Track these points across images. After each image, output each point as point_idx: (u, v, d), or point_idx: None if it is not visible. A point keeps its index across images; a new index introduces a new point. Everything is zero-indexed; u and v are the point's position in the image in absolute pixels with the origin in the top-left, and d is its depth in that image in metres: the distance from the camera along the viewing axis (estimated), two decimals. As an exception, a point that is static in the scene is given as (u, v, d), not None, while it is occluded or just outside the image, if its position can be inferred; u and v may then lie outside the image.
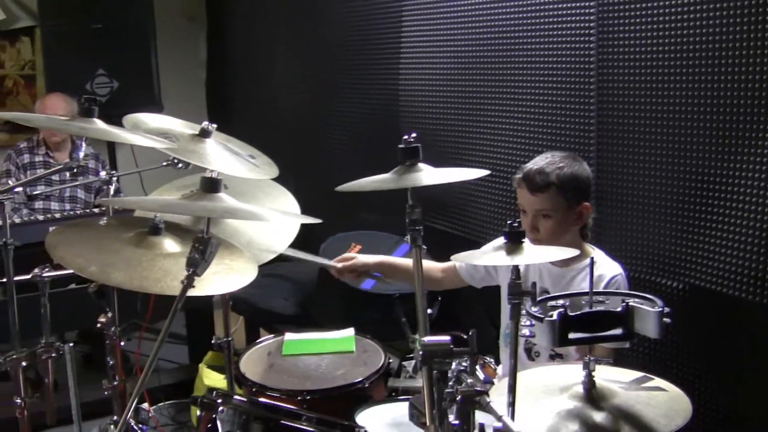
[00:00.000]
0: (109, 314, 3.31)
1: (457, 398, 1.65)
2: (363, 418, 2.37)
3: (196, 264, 2.04)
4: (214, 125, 3.01)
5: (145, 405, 4.10)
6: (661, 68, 3.02)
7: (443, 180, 2.01)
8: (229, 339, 3.08)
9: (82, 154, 2.84)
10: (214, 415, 2.13)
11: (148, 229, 2.66)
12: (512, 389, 1.87)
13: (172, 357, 4.89)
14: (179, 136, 2.97)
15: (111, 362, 3.34)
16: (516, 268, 1.94)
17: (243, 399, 2.15)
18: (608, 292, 2.11)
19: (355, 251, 4.19)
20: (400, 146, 1.98)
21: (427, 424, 1.62)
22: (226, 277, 2.62)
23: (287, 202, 3.23)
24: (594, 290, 2.02)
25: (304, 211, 2.94)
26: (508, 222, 1.97)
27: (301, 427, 2.09)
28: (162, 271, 2.49)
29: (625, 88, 3.18)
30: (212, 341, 3.05)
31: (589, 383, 2.06)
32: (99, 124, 2.58)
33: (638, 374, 2.20)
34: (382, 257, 3.15)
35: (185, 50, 6.23)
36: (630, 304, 1.98)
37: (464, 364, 1.74)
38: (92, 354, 4.96)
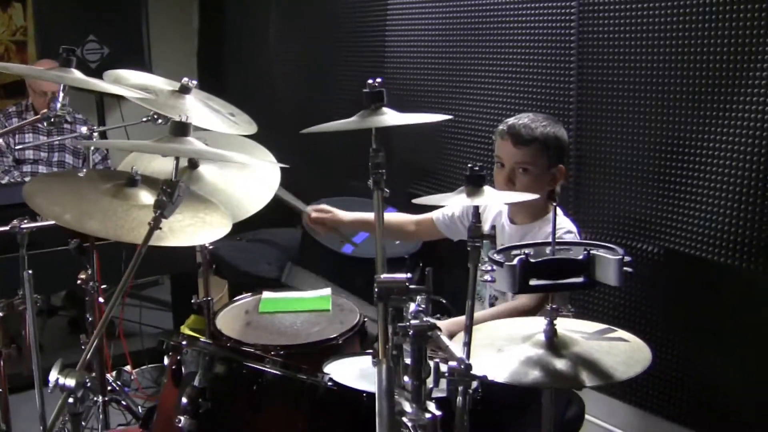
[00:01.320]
0: (89, 271, 3.35)
1: (410, 332, 1.66)
2: (330, 368, 2.38)
3: (164, 206, 2.05)
4: (195, 81, 3.02)
5: (128, 367, 4.13)
6: (642, 32, 3.03)
7: (405, 122, 2.02)
8: (209, 299, 3.10)
9: (59, 105, 2.83)
10: (179, 357, 2.15)
11: (125, 180, 2.67)
12: (468, 330, 1.88)
13: (156, 323, 4.91)
14: (159, 92, 2.99)
15: (90, 318, 3.36)
16: (476, 210, 1.95)
17: (208, 342, 2.17)
18: (571, 243, 2.13)
19: (338, 216, 4.20)
20: (365, 90, 1.99)
21: (380, 358, 1.63)
22: (200, 229, 2.65)
23: (269, 162, 3.24)
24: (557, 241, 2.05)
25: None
26: (469, 165, 1.98)
27: (265, 369, 2.10)
28: (137, 221, 2.50)
29: (605, 53, 3.19)
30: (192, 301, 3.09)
31: (551, 332, 2.07)
32: (77, 74, 2.61)
33: (602, 326, 2.22)
34: (357, 214, 3.15)
35: (177, 19, 6.22)
36: (591, 252, 1.99)
37: (422, 305, 1.74)
38: (78, 318, 4.98)
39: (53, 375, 1.81)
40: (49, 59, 4.79)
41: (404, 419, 1.65)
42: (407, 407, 1.68)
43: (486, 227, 2.81)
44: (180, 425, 2.01)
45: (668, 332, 3.12)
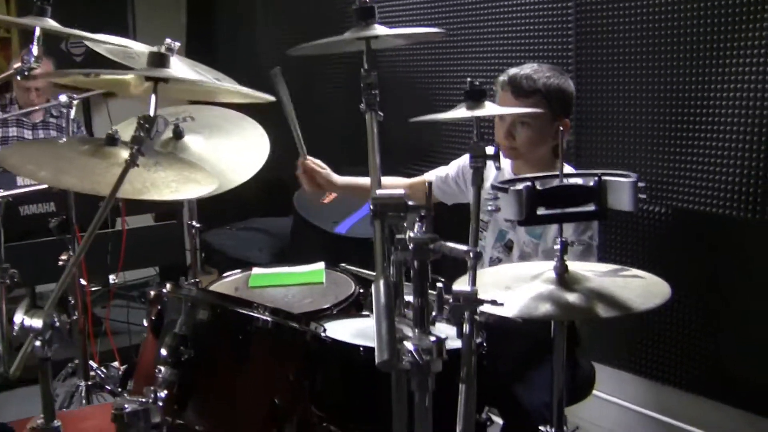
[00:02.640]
0: (71, 252, 3.21)
1: (410, 246, 1.51)
2: (328, 327, 2.22)
3: (140, 142, 1.91)
4: (178, 43, 2.88)
5: (116, 363, 3.97)
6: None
7: (395, 33, 1.88)
8: (197, 281, 2.96)
9: (33, 59, 2.69)
10: (159, 307, 1.99)
11: (105, 140, 2.55)
12: (475, 242, 1.74)
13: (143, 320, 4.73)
14: (140, 54, 2.86)
15: (72, 301, 3.21)
16: (478, 124, 1.81)
17: (191, 287, 2.01)
18: (580, 173, 1.97)
19: (330, 198, 4.07)
20: (355, 7, 1.84)
21: (377, 274, 1.48)
22: (184, 186, 2.51)
23: (257, 134, 3.11)
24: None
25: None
26: (469, 80, 1.84)
27: (252, 314, 1.94)
28: (116, 177, 2.37)
29: (604, 8, 3.08)
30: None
31: (562, 268, 1.92)
32: (51, 22, 2.48)
33: (614, 266, 2.08)
34: (350, 178, 2.99)
35: (164, 15, 6.10)
36: (603, 178, 1.85)
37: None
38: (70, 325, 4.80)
39: (18, 317, 1.67)
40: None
41: (405, 343, 1.49)
42: (409, 332, 1.52)
43: (486, 185, 2.73)
44: (160, 376, 1.85)
45: (679, 297, 2.97)
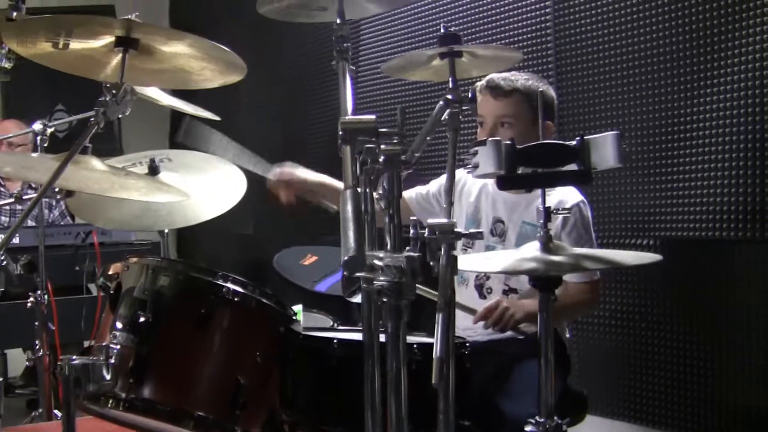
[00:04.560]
0: (38, 292, 3.10)
1: (381, 158, 1.41)
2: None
3: (106, 105, 1.84)
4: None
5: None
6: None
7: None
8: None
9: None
10: (119, 281, 1.86)
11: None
12: (449, 191, 1.65)
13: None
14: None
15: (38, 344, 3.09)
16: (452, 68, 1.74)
17: (154, 257, 1.88)
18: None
19: (311, 260, 3.96)
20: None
21: (345, 185, 1.38)
22: (153, 193, 2.44)
23: (233, 174, 3.05)
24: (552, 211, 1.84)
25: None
26: (441, 26, 1.80)
27: (214, 281, 1.82)
28: (84, 177, 2.30)
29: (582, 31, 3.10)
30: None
31: (546, 237, 1.82)
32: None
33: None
34: (324, 177, 2.86)
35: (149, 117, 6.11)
36: (585, 137, 1.78)
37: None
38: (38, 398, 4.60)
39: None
40: (13, 119, 4.65)
41: (376, 261, 1.37)
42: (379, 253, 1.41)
43: (471, 199, 2.66)
44: (115, 342, 1.70)
45: (673, 333, 2.87)
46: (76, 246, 4.01)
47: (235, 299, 1.82)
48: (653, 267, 2.79)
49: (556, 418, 1.87)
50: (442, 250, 1.51)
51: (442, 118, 1.75)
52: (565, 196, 2.50)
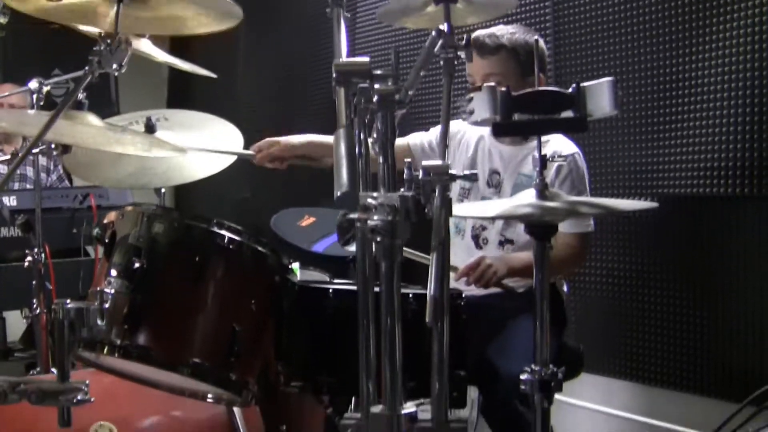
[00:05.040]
0: (35, 249, 3.09)
1: (375, 97, 1.41)
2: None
3: (100, 55, 1.83)
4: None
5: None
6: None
7: None
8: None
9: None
10: (114, 228, 1.85)
11: (72, 104, 2.50)
12: (444, 137, 1.64)
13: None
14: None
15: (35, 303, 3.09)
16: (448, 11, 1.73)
17: (153, 206, 1.87)
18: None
19: (308, 222, 3.95)
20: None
21: (338, 124, 1.38)
22: (150, 147, 2.43)
23: (230, 132, 3.04)
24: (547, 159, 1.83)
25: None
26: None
27: (209, 229, 1.81)
28: (80, 132, 2.30)
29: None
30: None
31: (541, 184, 1.82)
32: None
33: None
34: (310, 136, 2.85)
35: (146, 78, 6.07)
36: (581, 84, 1.77)
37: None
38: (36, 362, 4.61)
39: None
40: (11, 83, 4.62)
41: (369, 201, 1.37)
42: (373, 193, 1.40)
43: (468, 152, 2.65)
44: (109, 288, 1.70)
45: (670, 290, 2.86)
46: (74, 209, 3.99)
47: (230, 246, 1.82)
48: (650, 223, 2.81)
49: (551, 366, 1.87)
50: (437, 191, 1.50)
51: (435, 50, 1.73)
52: (561, 147, 2.50)
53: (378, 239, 1.37)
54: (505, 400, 2.22)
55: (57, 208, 3.98)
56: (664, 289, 2.87)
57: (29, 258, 3.12)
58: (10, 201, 3.89)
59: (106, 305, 1.60)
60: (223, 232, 1.81)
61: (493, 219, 2.44)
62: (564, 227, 2.41)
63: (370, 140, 1.48)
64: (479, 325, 2.32)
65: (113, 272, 1.75)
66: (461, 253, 2.54)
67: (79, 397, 1.55)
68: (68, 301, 1.55)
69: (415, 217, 1.38)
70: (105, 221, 1.89)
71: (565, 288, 2.66)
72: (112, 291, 1.70)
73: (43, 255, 3.07)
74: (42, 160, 4.73)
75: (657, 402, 2.95)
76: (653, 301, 2.91)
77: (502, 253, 2.51)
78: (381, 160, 1.41)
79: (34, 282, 3.11)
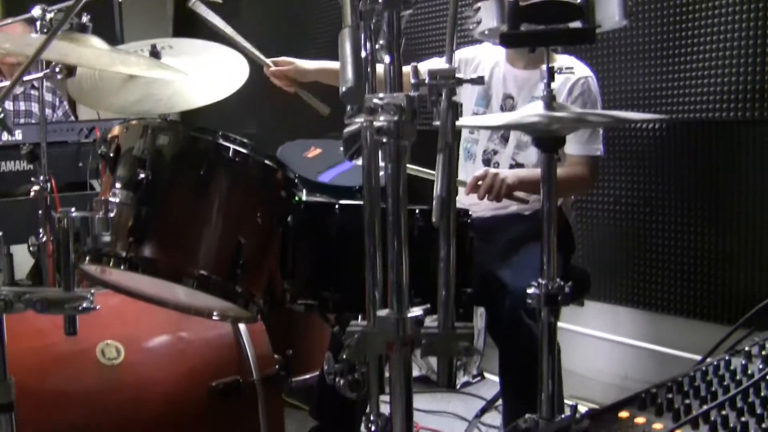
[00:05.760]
0: (41, 177, 3.08)
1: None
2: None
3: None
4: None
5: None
6: None
7: None
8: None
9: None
10: (118, 141, 1.83)
11: (76, 27, 2.49)
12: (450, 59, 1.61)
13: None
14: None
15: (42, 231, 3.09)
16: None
17: (158, 118, 1.86)
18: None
19: (314, 153, 3.94)
20: None
21: (344, 24, 1.35)
22: (152, 68, 2.44)
23: (235, 60, 3.02)
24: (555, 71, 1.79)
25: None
26: None
27: (215, 141, 1.79)
28: (85, 54, 2.30)
29: None
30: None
31: (549, 97, 1.79)
32: None
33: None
34: (322, 62, 2.85)
35: (150, 11, 6.01)
36: (590, -6, 1.74)
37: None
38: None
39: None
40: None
41: (375, 101, 1.36)
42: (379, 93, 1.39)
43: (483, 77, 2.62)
44: (114, 199, 1.69)
45: (677, 216, 2.85)
46: (79, 143, 3.97)
47: (236, 159, 1.80)
48: (657, 150, 2.79)
49: (558, 280, 1.87)
50: (443, 94, 1.48)
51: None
52: (574, 67, 2.47)
53: (384, 140, 1.36)
54: (512, 315, 2.22)
55: (62, 142, 3.96)
56: (670, 215, 2.86)
57: (35, 187, 3.12)
58: (16, 135, 3.87)
59: (111, 215, 1.59)
60: (228, 144, 1.79)
61: (500, 129, 2.42)
62: (573, 149, 2.40)
63: (376, 45, 1.46)
64: (486, 246, 2.32)
65: (118, 185, 1.74)
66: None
67: (84, 305, 1.53)
68: (73, 209, 1.53)
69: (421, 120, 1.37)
70: (109, 135, 1.87)
71: (572, 215, 2.65)
72: (117, 200, 1.68)
73: (49, 185, 3.06)
74: (47, 96, 4.73)
75: (663, 328, 2.96)
76: (659, 228, 2.90)
77: None
78: (387, 61, 1.39)
79: (40, 212, 3.11)
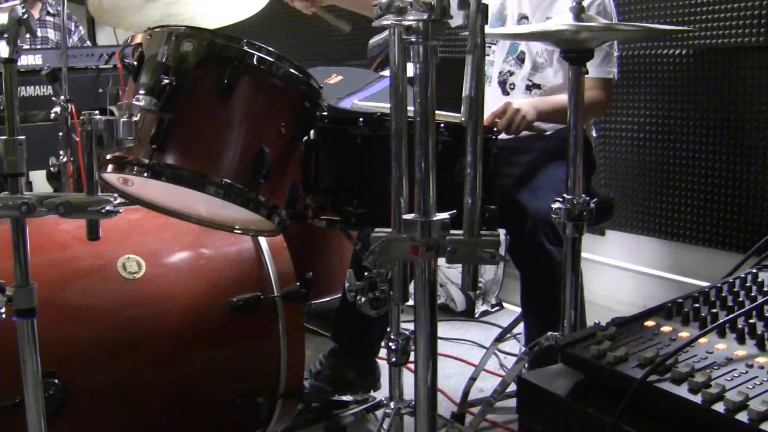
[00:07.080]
0: (62, 98, 3.06)
1: None
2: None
3: None
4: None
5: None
6: None
7: None
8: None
9: None
10: (141, 49, 1.81)
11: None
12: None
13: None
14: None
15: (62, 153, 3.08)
16: None
17: (182, 26, 1.81)
18: None
19: (336, 80, 3.90)
20: None
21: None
22: None
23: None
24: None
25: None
26: None
27: (240, 47, 1.76)
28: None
29: None
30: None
31: (578, 8, 1.76)
32: None
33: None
34: None
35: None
36: None
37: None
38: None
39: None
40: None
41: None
42: None
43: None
44: (138, 103, 1.66)
45: (699, 144, 2.81)
46: (99, 68, 3.94)
47: (261, 66, 1.77)
48: (680, 76, 2.74)
49: (584, 195, 1.85)
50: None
51: None
52: None
53: (413, 40, 1.33)
54: (533, 237, 2.20)
55: (82, 68, 3.93)
56: (694, 143, 2.82)
57: (56, 108, 3.10)
58: (36, 59, 3.84)
59: (135, 119, 1.56)
60: (254, 51, 1.76)
61: (526, 39, 2.38)
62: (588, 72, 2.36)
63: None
64: (506, 169, 2.30)
65: (141, 91, 1.72)
66: (488, 100, 2.50)
67: (107, 208, 1.51)
68: (97, 111, 1.51)
69: (450, 17, 1.34)
70: (132, 43, 1.84)
71: (594, 133, 2.62)
72: (141, 104, 1.66)
73: (70, 106, 3.04)
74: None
75: (684, 258, 2.94)
76: (683, 155, 2.86)
77: (530, 97, 2.46)
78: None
79: (60, 134, 3.10)
